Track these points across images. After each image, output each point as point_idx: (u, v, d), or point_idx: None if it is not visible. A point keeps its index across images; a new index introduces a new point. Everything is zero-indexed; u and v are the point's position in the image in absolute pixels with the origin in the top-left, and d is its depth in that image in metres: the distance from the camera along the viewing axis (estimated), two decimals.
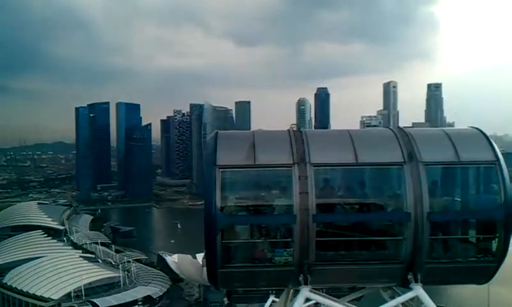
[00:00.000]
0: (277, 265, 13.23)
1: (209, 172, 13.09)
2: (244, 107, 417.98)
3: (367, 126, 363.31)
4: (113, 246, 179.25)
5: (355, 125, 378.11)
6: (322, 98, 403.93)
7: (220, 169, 13.01)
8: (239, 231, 13.59)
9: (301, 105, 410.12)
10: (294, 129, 14.37)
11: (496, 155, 13.65)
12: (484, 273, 14.17)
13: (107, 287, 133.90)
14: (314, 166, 13.08)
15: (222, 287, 14.50)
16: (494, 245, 13.75)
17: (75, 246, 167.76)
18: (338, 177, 14.37)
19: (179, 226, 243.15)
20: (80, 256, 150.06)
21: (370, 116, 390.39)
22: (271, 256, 13.27)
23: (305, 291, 13.29)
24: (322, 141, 14.53)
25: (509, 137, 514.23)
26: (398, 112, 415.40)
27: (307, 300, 14.05)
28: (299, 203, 12.74)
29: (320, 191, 13.14)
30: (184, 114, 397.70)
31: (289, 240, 13.06)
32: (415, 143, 13.69)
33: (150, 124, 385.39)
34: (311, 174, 12.95)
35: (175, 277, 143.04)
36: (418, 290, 13.51)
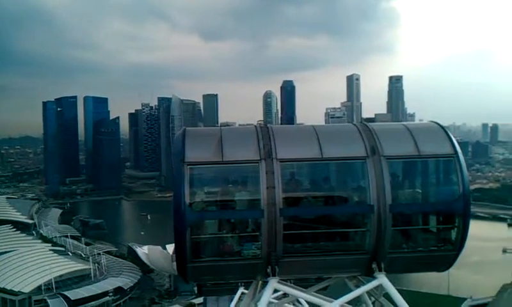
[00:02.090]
0: (246, 258, 13.52)
1: (178, 169, 13.26)
2: (211, 100, 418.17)
3: (332, 117, 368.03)
4: (83, 239, 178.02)
5: (320, 117, 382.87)
6: (288, 90, 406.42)
7: (188, 166, 13.22)
8: (207, 226, 13.80)
9: (267, 97, 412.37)
10: (261, 125, 14.64)
11: (454, 149, 14.17)
12: (444, 261, 14.75)
13: (78, 279, 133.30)
14: (281, 161, 13.38)
15: (192, 281, 14.78)
16: (453, 234, 14.28)
17: (45, 240, 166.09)
18: (304, 172, 14.69)
19: (149, 218, 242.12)
20: (50, 250, 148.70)
21: (334, 108, 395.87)
22: (239, 249, 13.54)
23: (273, 283, 13.59)
24: (288, 136, 14.85)
25: (467, 127, 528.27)
26: (361, 103, 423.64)
27: (275, 291, 14.44)
28: (266, 198, 13.04)
29: (286, 186, 13.43)
30: (152, 107, 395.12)
31: (257, 233, 13.36)
32: (377, 138, 14.09)
33: (118, 117, 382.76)
34: (277, 169, 13.25)
35: (145, 268, 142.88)
36: (382, 279, 13.95)
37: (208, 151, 13.61)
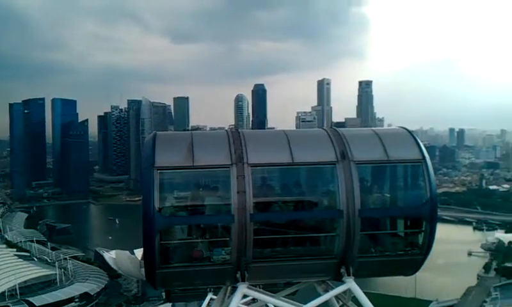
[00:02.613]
0: (215, 263, 13.46)
1: (147, 173, 13.10)
2: (182, 103, 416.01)
3: (302, 121, 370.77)
4: (49, 244, 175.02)
5: (291, 120, 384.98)
6: (260, 94, 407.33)
7: (158, 171, 13.06)
8: (177, 232, 13.71)
9: (238, 101, 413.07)
10: (232, 130, 14.62)
11: (422, 154, 14.35)
12: (411, 265, 14.90)
13: (43, 285, 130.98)
14: (252, 166, 13.35)
15: (161, 287, 14.65)
16: (420, 238, 14.43)
17: (10, 244, 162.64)
18: (275, 176, 14.69)
19: (117, 222, 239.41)
20: (15, 255, 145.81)
21: (305, 112, 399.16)
22: (209, 255, 13.48)
23: (243, 288, 13.57)
24: (260, 141, 14.85)
25: (434, 132, 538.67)
26: (331, 108, 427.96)
27: (244, 296, 14.42)
28: (237, 203, 12.98)
29: (257, 191, 13.43)
30: (121, 110, 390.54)
31: (227, 239, 13.31)
32: (347, 143, 14.18)
33: (86, 120, 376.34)
34: (248, 174, 13.21)
35: (112, 274, 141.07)
36: (351, 283, 14.04)
37: (178, 155, 13.50)
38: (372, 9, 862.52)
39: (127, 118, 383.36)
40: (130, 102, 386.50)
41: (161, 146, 13.70)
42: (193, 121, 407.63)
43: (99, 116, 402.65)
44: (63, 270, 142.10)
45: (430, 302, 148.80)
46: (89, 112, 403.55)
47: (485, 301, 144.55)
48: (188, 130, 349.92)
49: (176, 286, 16.35)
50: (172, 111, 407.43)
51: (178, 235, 13.77)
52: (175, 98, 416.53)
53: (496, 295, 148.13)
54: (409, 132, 15.19)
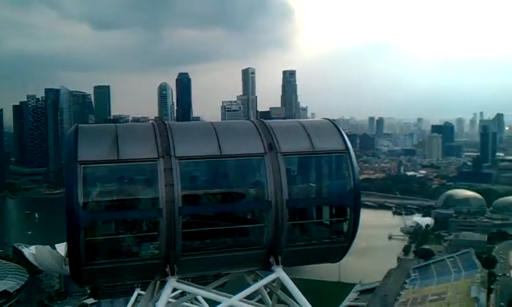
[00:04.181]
0: (144, 258, 13.26)
1: (70, 168, 12.65)
2: (103, 92, 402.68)
3: (228, 111, 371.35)
4: None
5: (216, 110, 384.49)
6: (184, 83, 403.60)
7: (82, 165, 12.62)
8: (103, 227, 13.35)
9: (162, 90, 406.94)
10: (159, 122, 14.40)
11: (346, 145, 14.75)
12: (337, 252, 15.34)
13: None
14: (179, 159, 13.21)
15: (87, 284, 14.27)
16: (345, 226, 14.87)
17: None
18: (203, 169, 14.65)
19: (36, 216, 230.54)
20: None
21: (230, 101, 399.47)
22: (137, 250, 13.26)
23: (172, 282, 13.46)
24: (187, 133, 14.68)
25: (355, 120, 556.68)
26: (256, 97, 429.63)
27: (174, 290, 14.33)
28: (165, 197, 12.80)
29: (185, 183, 13.31)
30: (38, 99, 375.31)
31: (155, 233, 13.13)
32: (274, 134, 14.33)
33: (1, 110, 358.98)
34: (176, 167, 13.06)
35: (33, 270, 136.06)
36: (280, 272, 14.25)
37: (102, 149, 13.10)
38: None
39: (45, 107, 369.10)
40: (48, 91, 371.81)
41: (84, 139, 13.24)
42: (115, 110, 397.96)
43: (14, 106, 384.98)
44: None
45: (354, 285, 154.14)
46: (4, 102, 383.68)
47: (405, 282, 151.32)
48: (109, 119, 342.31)
49: (104, 283, 15.95)
50: (92, 100, 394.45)
51: (105, 231, 13.40)
52: (95, 87, 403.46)
53: (415, 276, 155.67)
54: (334, 123, 15.57)
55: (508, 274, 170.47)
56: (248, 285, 14.81)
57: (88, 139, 13.47)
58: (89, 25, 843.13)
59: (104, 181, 13.74)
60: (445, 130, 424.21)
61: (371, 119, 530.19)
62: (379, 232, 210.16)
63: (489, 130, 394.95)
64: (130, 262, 13.33)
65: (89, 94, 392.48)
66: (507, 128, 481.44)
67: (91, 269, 13.06)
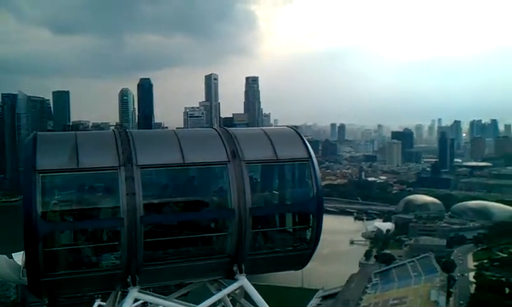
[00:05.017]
0: (104, 269, 13.02)
1: (28, 177, 12.27)
2: (62, 98, 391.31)
3: (190, 117, 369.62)
4: None
5: (179, 116, 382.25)
6: (146, 88, 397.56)
7: (40, 174, 12.28)
8: (63, 237, 13.05)
9: (123, 95, 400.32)
10: (120, 130, 14.17)
11: (309, 153, 14.82)
12: (300, 260, 15.41)
13: None
14: (141, 168, 13.03)
15: (46, 296, 13.90)
16: (308, 234, 14.95)
17: None
18: (166, 177, 14.47)
19: None
20: None
21: (193, 107, 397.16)
22: (97, 260, 13.02)
23: (133, 292, 13.22)
24: (149, 141, 14.44)
25: (317, 127, 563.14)
26: (219, 103, 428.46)
27: (136, 300, 14.10)
28: (126, 206, 12.59)
29: (147, 192, 13.14)
30: None
31: (116, 243, 12.89)
32: (237, 142, 14.28)
33: None
34: (138, 175, 12.87)
35: None
36: (243, 281, 14.20)
37: (62, 158, 12.77)
38: (258, 5, 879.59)
39: (1, 113, 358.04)
40: (5, 96, 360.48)
41: (43, 147, 12.90)
42: (74, 116, 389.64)
43: None
44: None
45: (316, 290, 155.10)
46: None
47: (367, 287, 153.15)
48: (69, 125, 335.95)
49: (63, 294, 15.60)
50: (51, 106, 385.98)
51: (64, 241, 13.11)
52: (54, 92, 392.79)
53: (376, 281, 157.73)
54: (297, 131, 15.65)
55: (466, 274, 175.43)
56: (211, 294, 14.68)
57: (47, 147, 13.13)
58: (49, 30, 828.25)
59: (63, 191, 13.41)
60: (404, 137, 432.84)
61: (333, 125, 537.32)
62: (341, 237, 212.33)
63: (447, 137, 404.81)
64: (91, 273, 13.06)
65: (48, 100, 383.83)
66: (464, 134, 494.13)
67: (50, 281, 12.72)
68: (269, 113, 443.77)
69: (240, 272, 14.21)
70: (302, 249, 15.10)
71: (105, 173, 13.17)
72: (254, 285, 14.37)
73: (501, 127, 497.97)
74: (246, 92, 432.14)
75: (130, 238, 12.68)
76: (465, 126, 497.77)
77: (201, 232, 14.27)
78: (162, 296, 14.81)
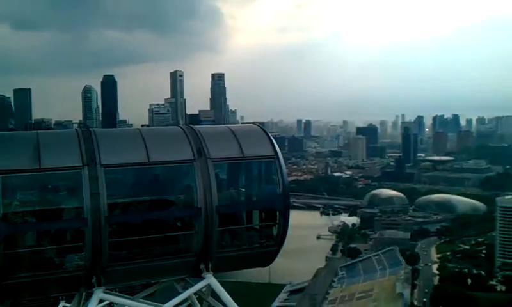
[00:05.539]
0: (69, 270, 12.83)
1: None
2: (23, 95, 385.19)
3: (155, 114, 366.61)
4: None
5: (144, 113, 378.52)
6: (109, 85, 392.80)
7: (0, 175, 11.99)
8: (25, 239, 12.77)
9: (86, 93, 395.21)
10: (83, 129, 13.94)
11: (275, 150, 14.89)
12: (267, 257, 15.47)
13: None
14: (105, 167, 12.84)
15: (7, 299, 13.53)
16: (275, 230, 15.03)
17: None
18: (131, 176, 14.28)
19: None
20: None
21: (158, 104, 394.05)
22: (61, 261, 12.80)
23: (98, 293, 13.06)
24: (113, 140, 14.32)
25: (284, 123, 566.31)
26: (185, 100, 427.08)
27: (101, 301, 13.93)
28: (89, 206, 12.41)
29: (112, 192, 12.96)
30: None
31: (80, 244, 12.71)
32: (203, 140, 14.23)
33: None
34: (101, 175, 12.68)
35: None
36: (210, 279, 14.16)
37: (23, 158, 12.49)
38: (225, 3, 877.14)
39: None
40: None
41: (2, 147, 12.66)
42: (36, 114, 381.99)
43: None
44: None
45: (284, 286, 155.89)
46: None
47: (333, 281, 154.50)
48: (30, 123, 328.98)
49: (26, 297, 15.28)
50: (12, 104, 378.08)
51: (26, 242, 12.83)
52: (15, 90, 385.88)
53: (343, 274, 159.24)
54: (263, 129, 15.71)
55: (429, 264, 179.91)
56: (178, 293, 14.60)
57: (7, 147, 12.88)
58: (9, 25, 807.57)
59: (25, 191, 13.16)
60: (369, 132, 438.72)
61: (299, 121, 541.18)
62: (308, 232, 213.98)
63: (411, 132, 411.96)
64: (54, 274, 12.84)
65: (9, 98, 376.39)
66: (427, 129, 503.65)
67: (12, 283, 12.46)
68: (236, 110, 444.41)
69: (207, 271, 14.18)
70: (269, 246, 15.17)
71: (68, 173, 12.93)
72: (221, 282, 14.36)
73: (463, 122, 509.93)
74: (212, 89, 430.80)
75: (95, 238, 12.52)
76: (428, 122, 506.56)
77: (167, 231, 14.14)
78: (128, 296, 14.66)
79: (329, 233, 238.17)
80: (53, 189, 13.49)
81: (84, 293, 14.52)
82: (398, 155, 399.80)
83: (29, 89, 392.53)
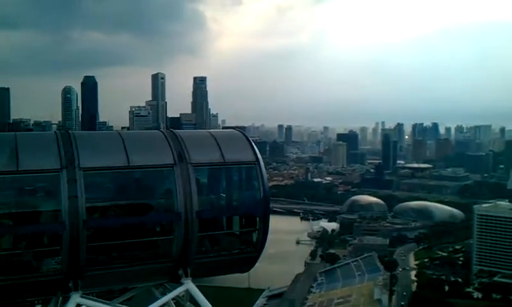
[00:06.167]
0: (45, 274, 12.66)
1: None
2: (2, 95, 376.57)
3: (136, 116, 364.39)
4: None
5: (124, 115, 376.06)
6: (90, 86, 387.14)
7: None
8: (1, 242, 12.55)
9: (66, 93, 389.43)
10: (62, 131, 13.78)
11: (256, 156, 14.87)
12: (246, 262, 15.42)
13: None
14: (84, 170, 12.70)
15: None
16: (255, 236, 14.98)
17: None
18: (110, 180, 14.15)
19: None
20: None
21: (139, 106, 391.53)
22: (38, 265, 12.62)
23: (76, 298, 12.89)
24: (92, 143, 14.16)
25: (265, 128, 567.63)
26: (166, 103, 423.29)
27: (78, 306, 13.75)
28: (68, 209, 12.25)
29: (91, 196, 12.82)
30: None
31: (58, 247, 12.53)
32: (184, 145, 14.14)
33: None
34: (80, 178, 12.53)
35: None
36: (189, 284, 14.09)
37: (0, 159, 12.35)
38: (207, 6, 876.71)
39: None
40: None
41: None
42: (15, 114, 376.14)
43: None
44: None
45: (263, 290, 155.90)
46: None
47: (312, 286, 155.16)
48: (9, 123, 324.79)
49: (1, 301, 15.04)
50: None
51: (3, 245, 12.63)
52: None
53: (321, 280, 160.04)
54: (244, 135, 15.67)
55: (407, 268, 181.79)
56: (156, 298, 14.47)
57: None
58: None
59: (1, 193, 12.90)
60: (349, 138, 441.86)
61: (280, 126, 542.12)
62: (288, 237, 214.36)
63: (391, 139, 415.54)
64: (31, 278, 12.64)
65: None
66: (406, 137, 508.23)
67: None
68: (217, 113, 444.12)
69: (186, 276, 14.09)
70: (248, 252, 15.11)
71: (46, 176, 12.77)
72: (200, 286, 14.29)
73: (442, 130, 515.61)
74: (194, 92, 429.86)
75: (72, 242, 12.36)
76: (408, 129, 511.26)
77: (146, 236, 14.00)
78: (106, 301, 14.50)
79: (308, 238, 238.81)
80: (31, 192, 13.27)
81: (60, 298, 14.32)
82: (378, 161, 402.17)
83: (8, 88, 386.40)
